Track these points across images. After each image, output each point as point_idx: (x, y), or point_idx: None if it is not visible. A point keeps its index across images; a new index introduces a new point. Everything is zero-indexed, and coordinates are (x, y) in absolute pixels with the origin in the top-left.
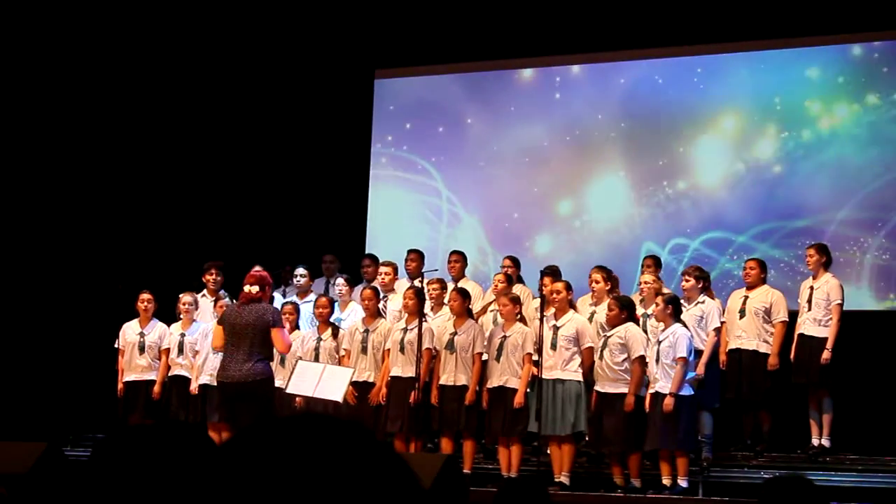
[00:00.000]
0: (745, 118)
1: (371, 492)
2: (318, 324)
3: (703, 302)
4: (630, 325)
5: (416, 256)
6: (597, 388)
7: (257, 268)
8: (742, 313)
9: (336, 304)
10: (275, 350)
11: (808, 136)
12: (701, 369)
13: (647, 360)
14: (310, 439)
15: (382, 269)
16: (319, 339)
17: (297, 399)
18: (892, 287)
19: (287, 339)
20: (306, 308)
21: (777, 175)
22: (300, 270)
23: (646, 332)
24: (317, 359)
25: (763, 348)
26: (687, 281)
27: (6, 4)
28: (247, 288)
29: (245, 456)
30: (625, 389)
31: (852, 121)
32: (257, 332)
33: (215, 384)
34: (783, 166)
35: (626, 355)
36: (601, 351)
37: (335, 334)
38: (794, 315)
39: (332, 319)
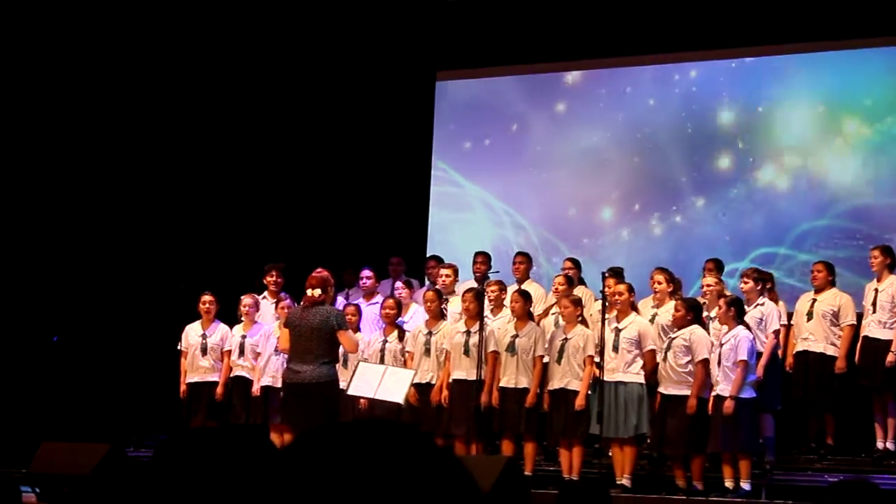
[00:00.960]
0: (803, 120)
1: (431, 497)
2: (384, 325)
3: (762, 304)
4: (696, 327)
5: (484, 258)
6: (660, 389)
7: (318, 270)
8: (810, 316)
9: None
10: (341, 351)
11: (865, 138)
12: (760, 371)
13: (711, 363)
14: (370, 444)
15: (443, 272)
16: (385, 341)
17: (362, 401)
18: None
19: (354, 339)
20: (369, 310)
21: (835, 179)
22: (366, 272)
23: (708, 334)
24: (382, 360)
25: (830, 351)
26: (745, 283)
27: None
28: (309, 291)
29: (306, 460)
30: (688, 392)
31: None
32: (322, 336)
33: (277, 386)
34: (841, 169)
35: (689, 357)
36: (665, 353)
37: (401, 336)
38: (859, 317)
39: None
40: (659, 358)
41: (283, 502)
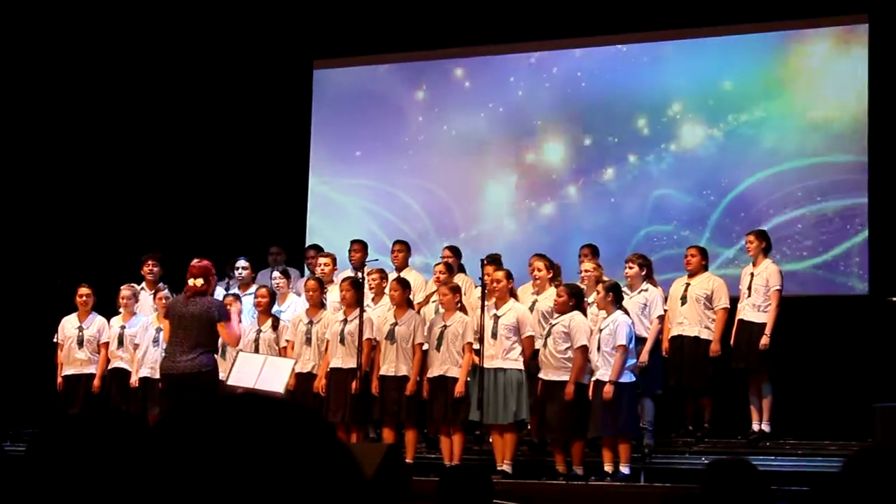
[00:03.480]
0: (678, 106)
1: (311, 473)
2: (257, 315)
3: (646, 290)
4: (576, 313)
5: (360, 247)
6: (541, 375)
7: (200, 259)
8: (684, 300)
9: (276, 295)
10: (219, 342)
11: (738, 124)
12: (645, 356)
13: (590, 348)
14: (250, 420)
15: (321, 260)
16: (259, 331)
17: (238, 390)
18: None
19: (234, 332)
20: (248, 300)
21: (710, 163)
22: (241, 263)
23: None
24: (257, 350)
25: (705, 335)
26: (630, 268)
27: None
28: (191, 281)
29: (179, 433)
30: (567, 377)
31: (782, 109)
32: (203, 325)
33: (156, 377)
34: (715, 154)
35: (569, 344)
36: (545, 339)
37: (275, 326)
38: (735, 301)
39: (272, 311)
40: (539, 344)
41: (157, 477)
